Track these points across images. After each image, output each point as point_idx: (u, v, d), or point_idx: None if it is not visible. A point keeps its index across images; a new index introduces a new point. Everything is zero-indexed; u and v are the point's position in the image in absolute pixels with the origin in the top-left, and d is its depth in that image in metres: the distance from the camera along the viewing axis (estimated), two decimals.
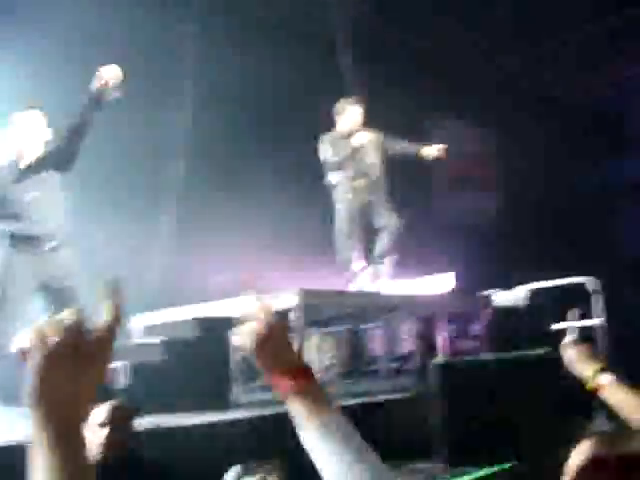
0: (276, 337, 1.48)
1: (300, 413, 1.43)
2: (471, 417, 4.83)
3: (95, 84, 4.90)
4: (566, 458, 1.69)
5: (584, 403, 5.02)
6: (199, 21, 10.92)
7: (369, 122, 7.84)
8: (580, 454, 1.41)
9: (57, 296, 5.04)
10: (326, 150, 7.49)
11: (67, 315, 1.15)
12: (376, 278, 7.46)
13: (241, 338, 1.50)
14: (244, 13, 10.89)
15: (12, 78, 8.26)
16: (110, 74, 4.92)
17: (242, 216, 10.36)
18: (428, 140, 13.71)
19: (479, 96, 12.67)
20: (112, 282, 1.16)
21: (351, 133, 7.53)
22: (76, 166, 5.40)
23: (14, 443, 4.15)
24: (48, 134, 5.15)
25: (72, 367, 1.08)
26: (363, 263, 7.45)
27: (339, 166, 7.41)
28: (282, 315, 1.27)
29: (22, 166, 5.07)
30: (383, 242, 7.55)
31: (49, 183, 5.10)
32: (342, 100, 7.75)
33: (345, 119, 7.59)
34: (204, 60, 10.58)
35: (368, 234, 7.60)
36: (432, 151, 7.96)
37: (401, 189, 12.17)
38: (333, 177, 7.49)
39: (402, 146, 7.92)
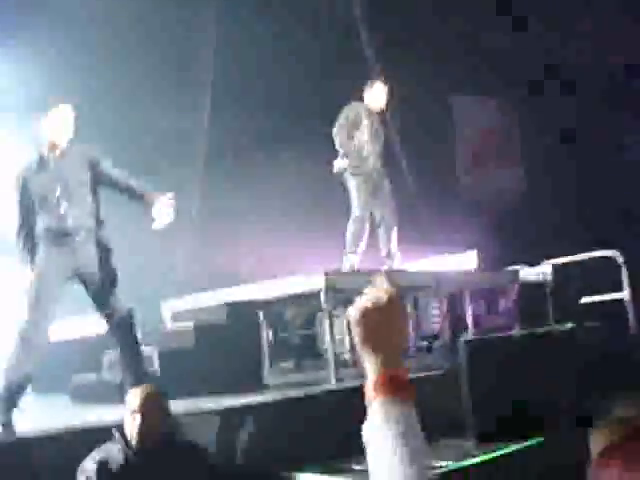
0: (387, 315, 1.47)
1: (376, 406, 1.42)
2: (500, 393, 4.86)
3: None
4: (592, 433, 1.72)
5: (610, 376, 5.05)
6: (215, 18, 10.99)
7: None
8: (598, 442, 1.44)
9: (93, 285, 5.11)
10: (343, 132, 7.40)
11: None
12: (388, 258, 7.36)
13: (353, 308, 1.49)
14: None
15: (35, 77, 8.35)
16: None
17: (265, 200, 10.44)
18: (450, 115, 13.78)
19: (502, 70, 12.58)
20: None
21: (369, 112, 7.47)
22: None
23: (55, 430, 4.27)
24: (73, 130, 5.23)
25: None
26: (361, 249, 7.33)
27: (354, 150, 7.34)
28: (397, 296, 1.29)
29: (52, 158, 5.14)
30: (385, 235, 7.41)
31: (75, 176, 5.17)
32: (371, 80, 7.68)
33: (369, 98, 7.52)
34: (221, 54, 10.65)
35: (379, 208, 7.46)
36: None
37: (424, 167, 12.23)
38: (346, 161, 7.42)
39: None
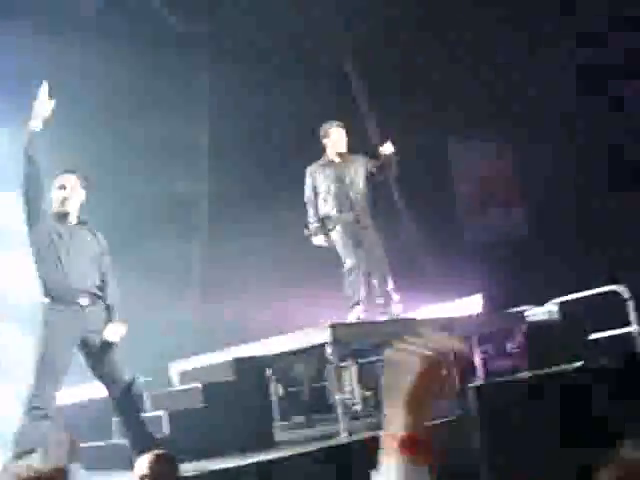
0: (442, 373, 1.35)
1: (394, 463, 1.35)
2: (512, 438, 4.82)
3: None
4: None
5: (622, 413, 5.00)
6: (213, 66, 11.15)
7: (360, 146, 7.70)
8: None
9: (96, 354, 5.12)
10: (310, 186, 7.36)
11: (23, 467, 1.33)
12: (387, 306, 7.26)
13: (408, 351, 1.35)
14: (255, 50, 11.06)
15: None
16: (42, 108, 5.02)
17: (268, 257, 10.48)
18: (448, 159, 13.84)
19: (498, 114, 12.70)
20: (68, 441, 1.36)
21: (337, 158, 7.37)
22: (102, 218, 5.60)
23: None
24: (83, 195, 5.34)
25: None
26: (363, 298, 7.24)
27: (325, 200, 7.28)
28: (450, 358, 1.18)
29: (66, 222, 5.23)
30: (380, 282, 7.23)
31: (83, 238, 5.26)
32: (326, 123, 7.46)
33: (332, 143, 7.39)
34: (220, 103, 10.79)
35: (367, 256, 7.29)
36: (386, 148, 7.27)
37: (425, 211, 12.28)
38: (323, 208, 7.30)
39: (381, 169, 7.45)
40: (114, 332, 5.23)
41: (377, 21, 11.91)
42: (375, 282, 7.25)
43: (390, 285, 7.23)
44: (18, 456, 4.59)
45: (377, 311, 7.28)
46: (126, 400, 5.17)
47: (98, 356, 5.13)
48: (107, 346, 5.15)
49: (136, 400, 5.31)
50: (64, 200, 5.26)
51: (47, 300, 5.06)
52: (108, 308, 5.27)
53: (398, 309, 7.22)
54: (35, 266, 5.15)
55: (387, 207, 8.13)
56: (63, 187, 5.26)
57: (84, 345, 5.12)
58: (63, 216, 5.26)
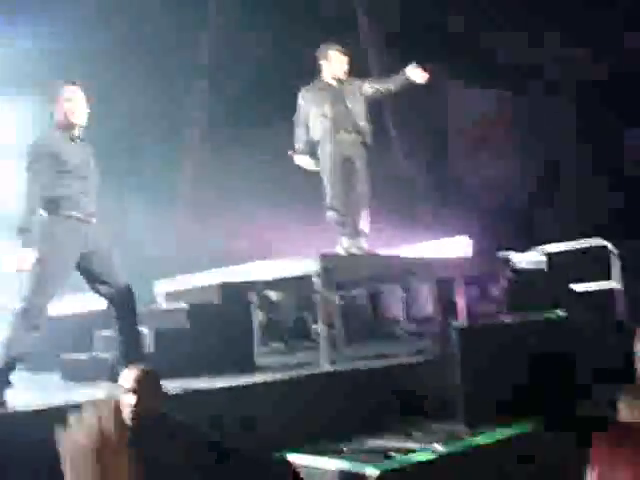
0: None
1: None
2: (490, 379, 4.91)
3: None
4: (582, 422, 1.71)
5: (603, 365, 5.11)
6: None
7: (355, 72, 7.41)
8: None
9: (96, 269, 5.10)
10: (303, 107, 7.14)
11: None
12: (357, 235, 7.17)
13: None
14: None
15: None
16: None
17: (260, 182, 10.45)
18: (445, 105, 13.77)
19: (494, 60, 12.61)
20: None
21: (334, 82, 7.16)
22: (94, 139, 5.52)
23: (46, 407, 4.29)
24: (87, 107, 5.24)
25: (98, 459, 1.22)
26: (347, 220, 7.08)
27: (320, 123, 7.11)
28: None
29: (71, 135, 5.14)
30: (355, 220, 7.09)
31: (86, 155, 5.20)
32: (326, 45, 7.20)
33: (329, 66, 7.17)
34: (220, 28, 10.67)
35: (350, 188, 7.09)
36: (417, 73, 7.04)
37: (418, 153, 12.27)
38: (315, 131, 7.08)
39: (386, 82, 7.23)
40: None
41: None
42: (350, 219, 7.15)
43: (366, 225, 7.14)
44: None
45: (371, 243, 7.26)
46: (126, 311, 5.16)
47: (98, 271, 5.11)
48: (107, 262, 5.13)
49: (135, 315, 5.29)
50: (71, 113, 5.16)
51: (46, 213, 5.00)
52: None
53: (364, 244, 7.15)
54: (39, 178, 5.02)
55: (381, 140, 7.99)
56: (69, 99, 5.15)
57: (84, 260, 5.08)
58: (70, 129, 5.16)
